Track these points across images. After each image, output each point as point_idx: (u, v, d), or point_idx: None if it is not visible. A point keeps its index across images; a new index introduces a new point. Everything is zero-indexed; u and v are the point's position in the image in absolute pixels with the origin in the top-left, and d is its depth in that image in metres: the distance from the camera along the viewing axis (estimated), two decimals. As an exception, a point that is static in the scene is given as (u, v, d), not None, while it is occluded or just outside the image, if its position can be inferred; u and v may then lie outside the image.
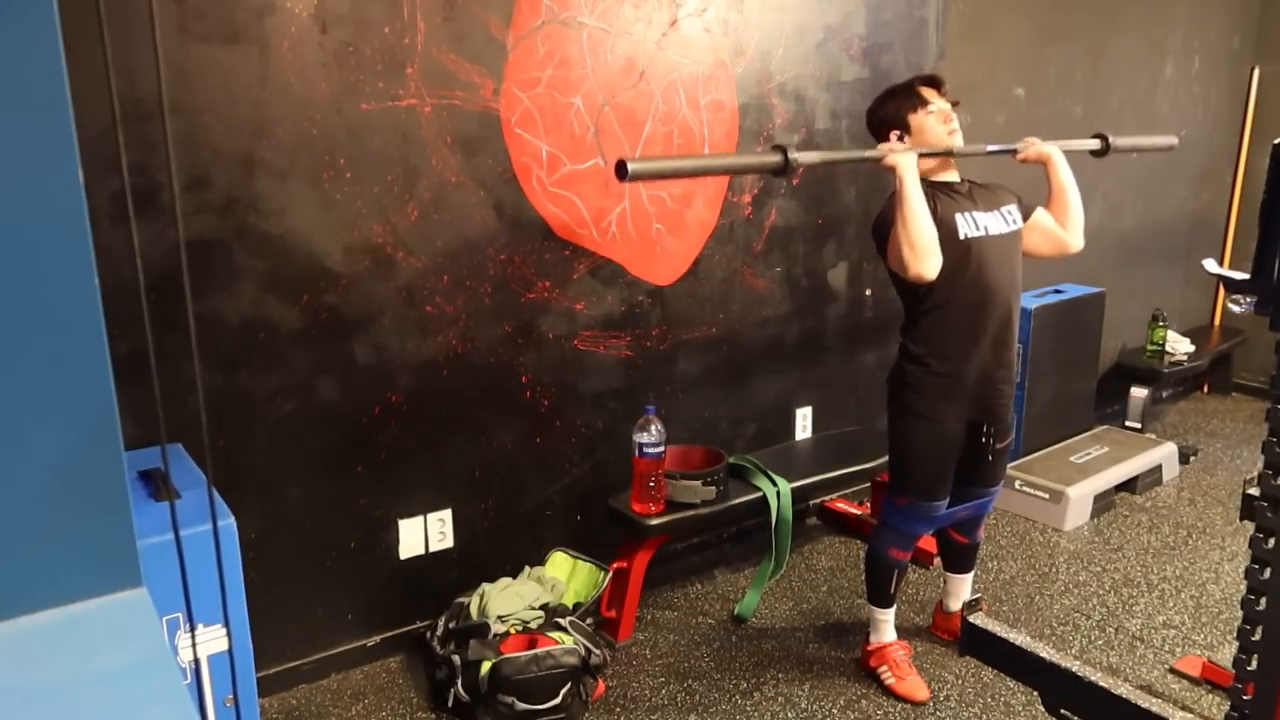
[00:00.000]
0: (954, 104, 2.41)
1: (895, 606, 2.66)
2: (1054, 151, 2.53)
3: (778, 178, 2.27)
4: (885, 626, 2.65)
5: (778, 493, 2.94)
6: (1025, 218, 2.50)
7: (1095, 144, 2.70)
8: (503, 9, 2.55)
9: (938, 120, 2.36)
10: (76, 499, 0.95)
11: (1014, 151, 2.48)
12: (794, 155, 2.05)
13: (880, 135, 2.42)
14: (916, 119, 2.37)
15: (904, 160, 2.25)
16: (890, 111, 2.40)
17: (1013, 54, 3.88)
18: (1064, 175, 2.52)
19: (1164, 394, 5.06)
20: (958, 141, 2.38)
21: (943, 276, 2.29)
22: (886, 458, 2.64)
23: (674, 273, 3.07)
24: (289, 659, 2.59)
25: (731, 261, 3.18)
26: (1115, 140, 2.69)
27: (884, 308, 3.66)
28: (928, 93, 2.37)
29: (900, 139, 2.37)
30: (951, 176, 2.42)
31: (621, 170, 1.88)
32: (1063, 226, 2.54)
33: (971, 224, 2.34)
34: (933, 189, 2.34)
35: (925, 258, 2.23)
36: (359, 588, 2.68)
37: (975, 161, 2.51)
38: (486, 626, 2.49)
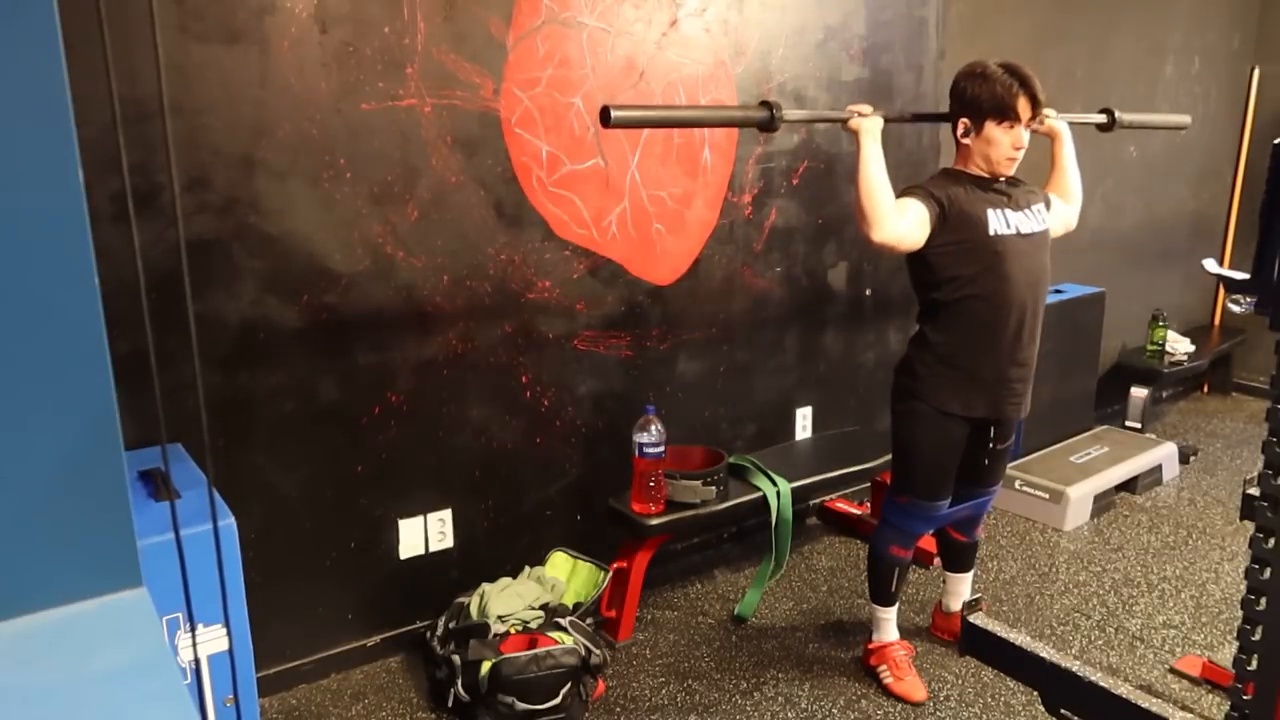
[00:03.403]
0: (1033, 119, 2.28)
1: (897, 605, 2.66)
2: (1064, 128, 2.56)
3: (763, 132, 2.27)
4: (887, 625, 2.65)
5: (778, 493, 2.94)
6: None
7: (1101, 118, 2.71)
8: (503, 9, 2.55)
9: (1010, 144, 2.28)
10: (76, 499, 0.95)
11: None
12: (779, 111, 2.12)
13: (954, 108, 2.32)
14: (995, 127, 2.26)
15: (867, 124, 2.23)
16: (983, 97, 2.25)
17: (1013, 54, 3.83)
18: (1069, 152, 2.59)
19: (1164, 394, 5.06)
20: (1009, 169, 2.32)
21: (970, 271, 2.29)
22: (886, 458, 2.64)
23: (674, 273, 3.07)
24: (289, 659, 2.59)
25: (731, 261, 3.18)
26: (1122, 115, 2.70)
27: (884, 308, 3.66)
28: (1024, 111, 2.24)
29: (966, 132, 2.30)
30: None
31: (605, 116, 1.91)
32: (1067, 203, 2.61)
33: (1003, 222, 2.31)
34: (973, 182, 2.33)
35: (877, 223, 2.19)
36: (359, 588, 2.68)
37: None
38: (486, 626, 2.49)
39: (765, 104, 2.15)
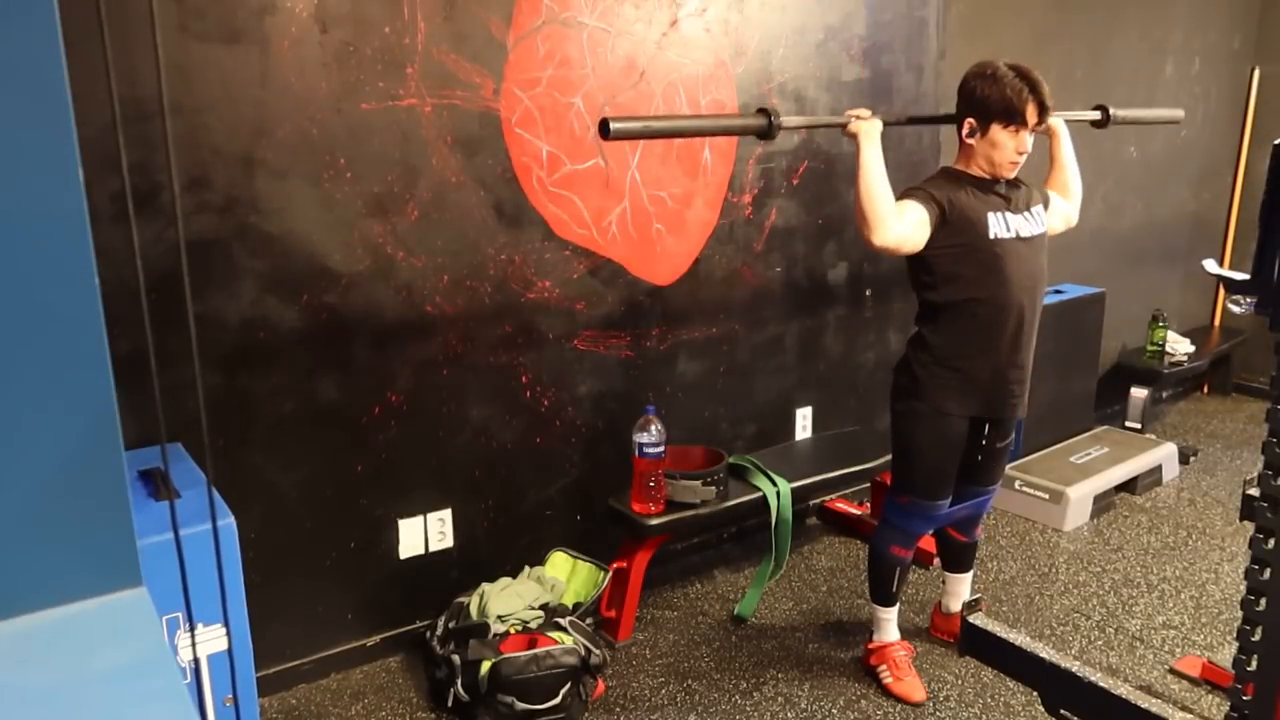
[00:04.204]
0: (1039, 124, 2.28)
1: (898, 606, 2.66)
2: (1061, 125, 2.59)
3: (761, 140, 2.27)
4: (887, 625, 2.65)
5: (778, 493, 2.94)
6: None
7: (1095, 115, 2.72)
8: (503, 9, 2.55)
9: (1015, 147, 2.27)
10: (76, 498, 0.95)
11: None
12: (777, 119, 2.13)
13: (961, 107, 2.32)
14: (1000, 130, 2.26)
15: (866, 128, 2.24)
16: (992, 99, 2.24)
17: (1013, 54, 3.83)
18: (1068, 149, 2.61)
19: (1164, 394, 5.06)
20: (1011, 173, 2.32)
21: (969, 273, 2.30)
22: (886, 458, 2.64)
23: (674, 273, 3.07)
24: (289, 659, 2.59)
25: (731, 261, 3.18)
26: (1116, 111, 2.71)
27: (884, 308, 3.66)
28: (1031, 116, 2.24)
29: (971, 132, 2.30)
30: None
31: (604, 129, 1.92)
32: (1067, 199, 2.62)
33: (1003, 225, 2.32)
34: (973, 183, 2.33)
35: (877, 227, 2.20)
36: (359, 587, 2.68)
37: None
38: (486, 626, 2.49)
39: (763, 111, 2.16)
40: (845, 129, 2.27)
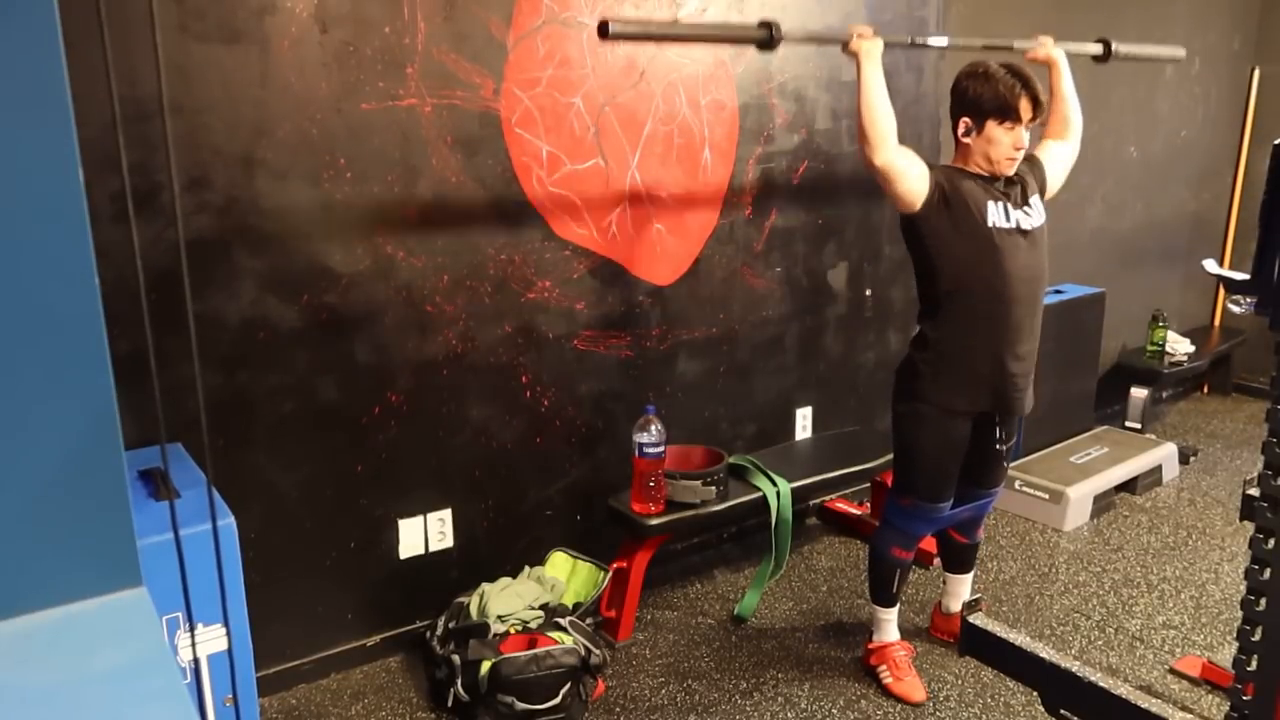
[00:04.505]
0: (1034, 120, 2.30)
1: (898, 606, 2.66)
2: (1061, 57, 2.60)
3: (761, 50, 2.28)
4: (887, 626, 2.65)
5: (778, 493, 2.94)
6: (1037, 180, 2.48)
7: (1097, 48, 2.74)
8: (503, 9, 2.55)
9: (1011, 144, 2.28)
10: (76, 499, 0.95)
11: (1024, 50, 2.51)
12: (778, 31, 2.17)
13: (955, 107, 2.34)
14: (996, 127, 2.27)
15: (868, 46, 2.26)
16: (985, 97, 2.26)
17: (1013, 54, 3.87)
18: (1067, 82, 2.60)
19: (1164, 394, 5.05)
20: (1010, 169, 2.33)
21: (967, 258, 2.31)
22: (887, 458, 2.64)
23: (674, 273, 3.07)
24: (289, 659, 2.59)
25: (731, 261, 3.18)
26: (1118, 46, 2.73)
27: (884, 308, 3.66)
28: (1025, 111, 2.26)
29: (967, 131, 2.32)
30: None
31: (604, 30, 1.97)
32: (1064, 138, 2.59)
33: (1002, 214, 2.32)
34: (973, 179, 2.34)
35: (879, 144, 2.23)
36: (359, 587, 2.68)
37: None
38: (486, 626, 2.49)
39: (765, 24, 2.19)
40: (846, 46, 2.29)
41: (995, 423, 2.48)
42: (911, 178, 2.28)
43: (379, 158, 2.44)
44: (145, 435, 2.05)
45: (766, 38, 2.18)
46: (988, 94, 2.26)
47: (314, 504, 2.54)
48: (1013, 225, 2.33)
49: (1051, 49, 2.57)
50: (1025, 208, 2.38)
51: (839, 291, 3.51)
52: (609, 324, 2.96)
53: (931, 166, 2.33)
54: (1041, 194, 2.48)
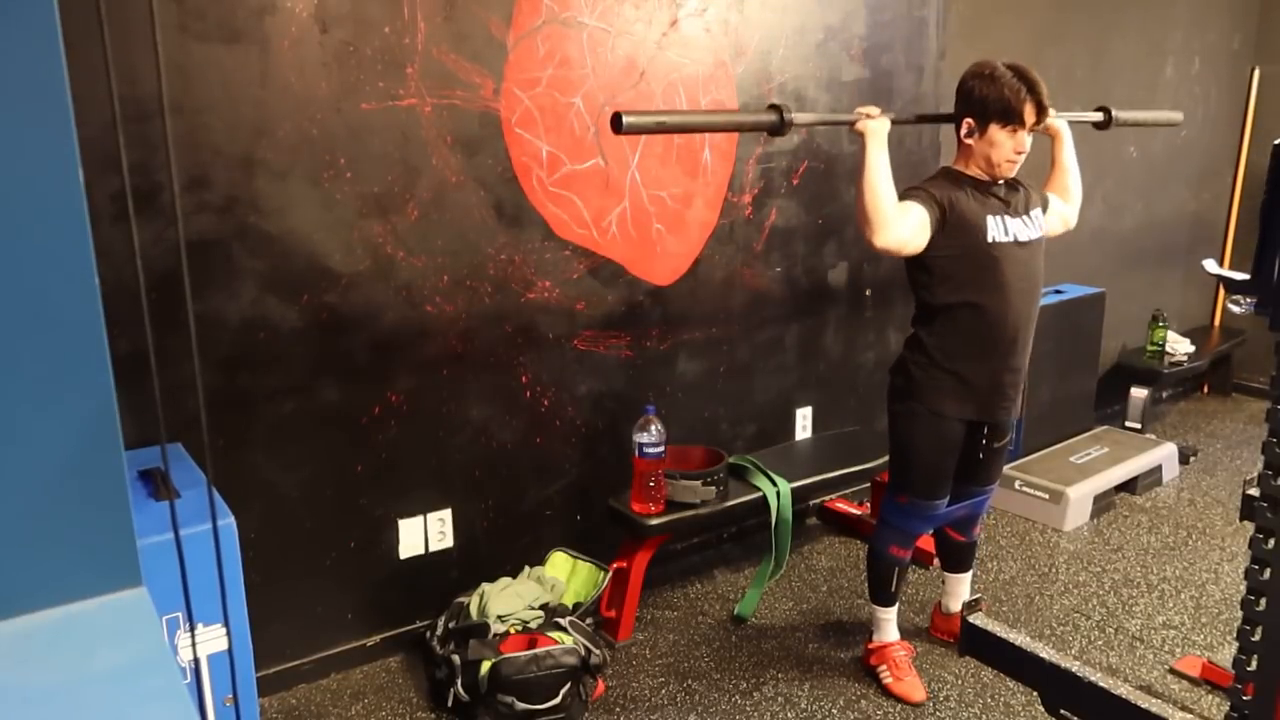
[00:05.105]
0: (1037, 124, 2.29)
1: (897, 606, 2.66)
2: (1064, 127, 2.59)
3: (773, 136, 2.26)
4: (887, 625, 2.65)
5: (778, 493, 2.94)
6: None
7: (1098, 116, 2.73)
8: (503, 9, 2.55)
9: (1013, 147, 2.27)
10: (76, 498, 0.95)
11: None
12: (789, 115, 2.13)
13: (960, 107, 2.32)
14: (999, 130, 2.26)
15: (874, 126, 2.23)
16: (990, 99, 2.24)
17: (1013, 54, 3.83)
18: (1070, 151, 2.61)
19: (1164, 394, 5.06)
20: (1010, 172, 2.33)
21: (966, 277, 2.30)
22: (886, 458, 2.64)
23: (674, 273, 3.07)
24: (289, 659, 2.59)
25: (731, 261, 3.18)
26: (1118, 113, 2.72)
27: (884, 308, 3.66)
28: (1029, 116, 2.24)
29: (970, 132, 2.30)
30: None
31: (617, 123, 1.92)
32: (1066, 202, 2.62)
33: (1001, 229, 2.31)
34: (972, 184, 2.33)
35: (880, 228, 2.19)
36: (359, 587, 2.68)
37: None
38: (486, 626, 2.49)
39: (775, 108, 2.14)
40: (853, 126, 2.27)
41: (983, 427, 2.48)
42: (916, 243, 2.26)
43: (379, 158, 2.44)
44: (145, 435, 2.05)
45: (777, 123, 2.13)
46: (992, 95, 2.24)
47: (314, 504, 2.54)
48: (1011, 238, 2.33)
49: (1054, 120, 2.53)
50: (1025, 217, 2.37)
51: (839, 291, 3.51)
52: (609, 324, 2.96)
53: (930, 197, 2.27)
54: (1043, 209, 2.48)
